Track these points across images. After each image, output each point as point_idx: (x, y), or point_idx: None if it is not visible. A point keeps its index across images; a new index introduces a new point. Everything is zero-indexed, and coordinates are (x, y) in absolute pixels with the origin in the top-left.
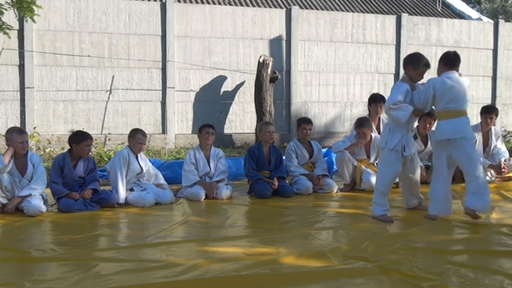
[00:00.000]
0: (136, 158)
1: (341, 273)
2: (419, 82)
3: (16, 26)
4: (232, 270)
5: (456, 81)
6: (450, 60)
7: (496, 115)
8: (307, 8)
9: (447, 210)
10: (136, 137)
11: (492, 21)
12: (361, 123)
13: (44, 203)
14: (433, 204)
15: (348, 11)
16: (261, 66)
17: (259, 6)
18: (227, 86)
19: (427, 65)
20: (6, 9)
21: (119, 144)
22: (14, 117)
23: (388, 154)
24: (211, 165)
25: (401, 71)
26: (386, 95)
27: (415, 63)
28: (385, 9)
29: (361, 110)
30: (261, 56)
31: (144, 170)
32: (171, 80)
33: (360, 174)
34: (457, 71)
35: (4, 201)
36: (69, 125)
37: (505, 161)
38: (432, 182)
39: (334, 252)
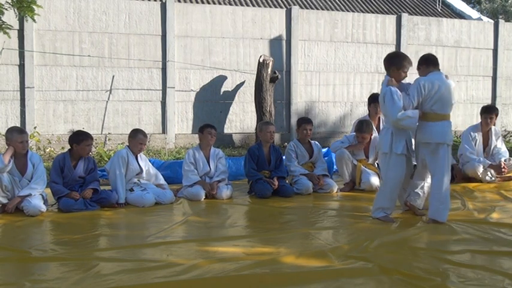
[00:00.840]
0: (136, 158)
1: (341, 273)
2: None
3: (16, 25)
4: (232, 270)
5: (443, 83)
6: (433, 61)
7: (496, 115)
8: (307, 8)
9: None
10: (137, 137)
11: (492, 21)
12: (361, 128)
13: (44, 203)
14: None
15: (348, 11)
16: (261, 66)
17: (259, 6)
18: (227, 86)
19: (410, 63)
20: (6, 9)
21: (119, 144)
22: (14, 117)
23: (394, 159)
24: (211, 165)
25: None
26: None
27: (398, 62)
28: (385, 9)
29: (362, 110)
30: (261, 56)
31: (144, 170)
32: (171, 79)
33: (359, 174)
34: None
35: (4, 201)
36: (69, 125)
37: (505, 161)
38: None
39: (334, 252)
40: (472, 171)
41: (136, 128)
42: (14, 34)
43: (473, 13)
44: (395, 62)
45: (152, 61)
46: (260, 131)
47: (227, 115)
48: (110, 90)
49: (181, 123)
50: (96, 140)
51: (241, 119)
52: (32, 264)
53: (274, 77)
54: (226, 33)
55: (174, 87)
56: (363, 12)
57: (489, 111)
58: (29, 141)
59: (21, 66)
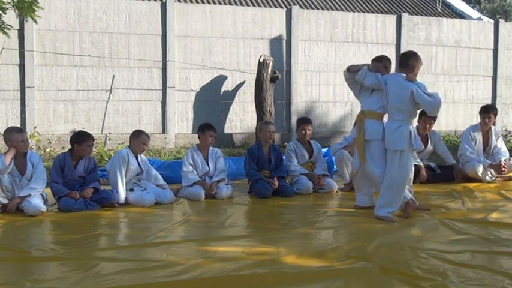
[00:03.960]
0: (137, 158)
1: (341, 273)
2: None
3: (16, 25)
4: (232, 270)
5: None
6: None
7: (495, 115)
8: (307, 8)
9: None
10: (141, 137)
11: (492, 21)
12: None
13: (44, 203)
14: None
15: (348, 10)
16: (261, 66)
17: (259, 6)
18: (227, 86)
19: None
20: (8, 9)
21: (119, 144)
22: (14, 117)
23: (407, 156)
24: (210, 165)
25: None
26: None
27: (417, 61)
28: (386, 9)
29: None
30: (261, 56)
31: (144, 171)
32: (172, 79)
33: None
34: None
35: (4, 201)
36: (70, 125)
37: (505, 160)
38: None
39: (334, 252)
40: (472, 171)
41: (139, 129)
42: (14, 34)
43: (474, 13)
44: (417, 61)
45: (152, 61)
46: (260, 131)
47: (227, 115)
48: (110, 90)
49: (182, 123)
50: (96, 139)
51: (241, 118)
52: (32, 264)
53: (274, 77)
54: (226, 33)
55: (174, 87)
56: (363, 12)
57: (487, 111)
58: (29, 141)
59: (22, 66)
